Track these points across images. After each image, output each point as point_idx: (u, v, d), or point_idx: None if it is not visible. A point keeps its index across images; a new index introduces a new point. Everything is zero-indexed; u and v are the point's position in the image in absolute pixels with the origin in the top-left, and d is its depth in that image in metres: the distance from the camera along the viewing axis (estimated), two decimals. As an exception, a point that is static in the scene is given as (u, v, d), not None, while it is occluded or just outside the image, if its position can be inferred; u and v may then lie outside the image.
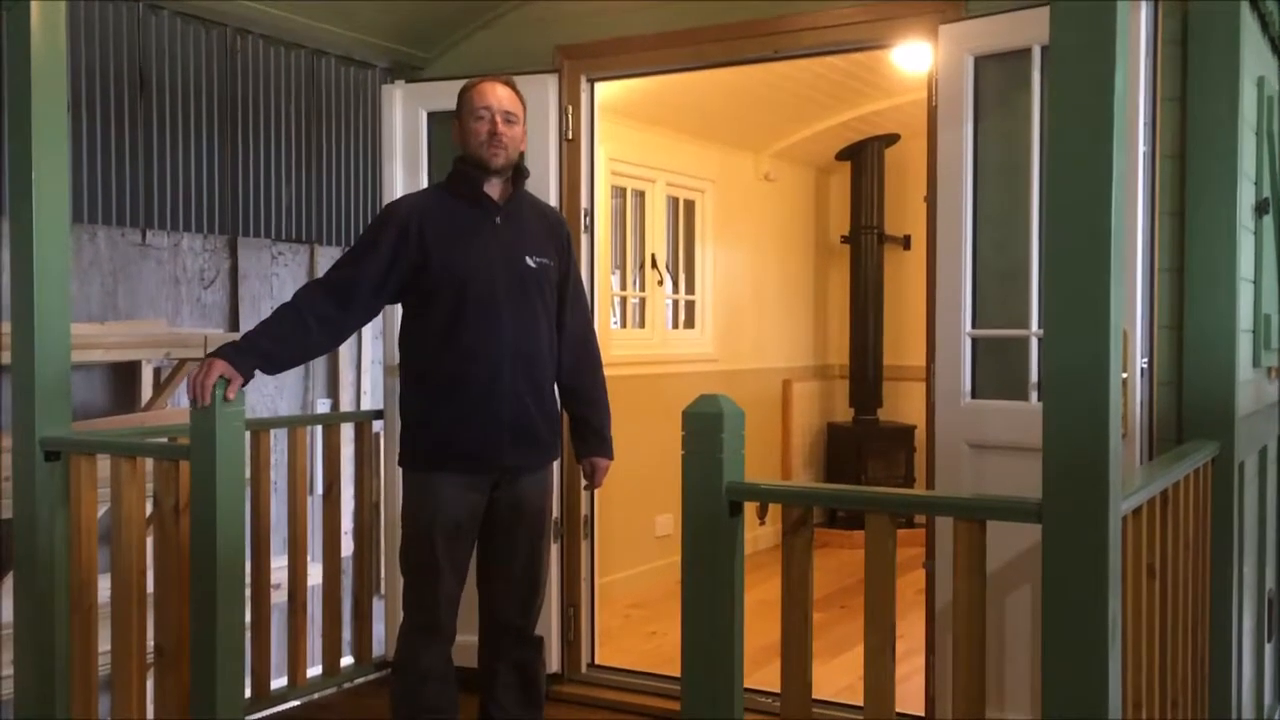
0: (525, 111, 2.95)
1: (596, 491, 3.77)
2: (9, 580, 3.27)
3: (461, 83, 3.83)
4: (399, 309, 3.01)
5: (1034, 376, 3.04)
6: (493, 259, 2.84)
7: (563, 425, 3.07)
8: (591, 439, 3.05)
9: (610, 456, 3.07)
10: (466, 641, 2.99)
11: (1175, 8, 2.97)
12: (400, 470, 2.96)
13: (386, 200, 3.83)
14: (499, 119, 2.83)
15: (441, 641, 2.89)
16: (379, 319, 3.39)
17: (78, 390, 4.28)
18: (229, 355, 2.67)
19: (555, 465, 3.19)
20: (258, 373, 2.73)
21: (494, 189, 2.89)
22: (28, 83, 2.85)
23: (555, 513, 3.55)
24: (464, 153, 2.90)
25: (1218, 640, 2.99)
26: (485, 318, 2.81)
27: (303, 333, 2.77)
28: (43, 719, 2.95)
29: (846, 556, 5.96)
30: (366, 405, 5.52)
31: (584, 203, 3.81)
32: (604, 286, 5.43)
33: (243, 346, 2.72)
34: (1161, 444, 2.95)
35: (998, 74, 3.12)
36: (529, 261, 2.88)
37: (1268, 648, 3.63)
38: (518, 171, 2.92)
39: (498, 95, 2.86)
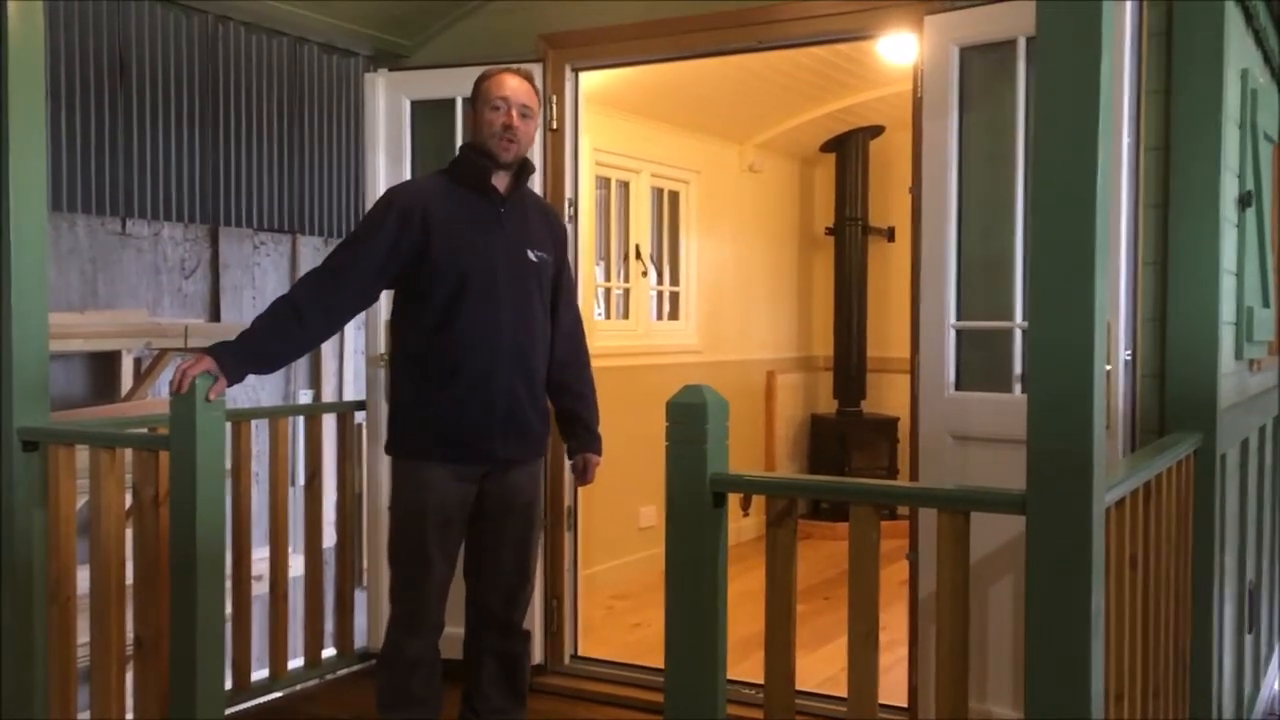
0: (540, 106, 2.95)
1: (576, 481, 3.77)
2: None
3: (446, 72, 3.81)
4: (385, 296, 2.99)
5: (1018, 368, 3.04)
6: (495, 251, 2.83)
7: (551, 419, 3.06)
8: (582, 434, 3.04)
9: (600, 452, 3.07)
10: (452, 633, 2.98)
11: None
12: (386, 460, 2.94)
13: (369, 190, 3.82)
14: (514, 112, 2.83)
15: (430, 632, 2.89)
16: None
17: (57, 380, 4.25)
18: (222, 358, 2.65)
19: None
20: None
21: (500, 181, 2.89)
22: (4, 69, 2.82)
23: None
24: (474, 141, 2.89)
25: (1199, 631, 3.01)
26: (484, 309, 2.80)
27: (299, 328, 2.73)
28: (21, 711, 2.93)
29: (830, 548, 5.97)
30: (349, 395, 5.50)
31: (568, 193, 3.79)
32: (588, 277, 5.40)
33: (237, 350, 2.69)
34: (1144, 436, 2.96)
35: (983, 65, 3.11)
36: (530, 256, 2.89)
37: (1248, 639, 3.65)
38: (523, 165, 2.92)
39: (515, 88, 2.84)
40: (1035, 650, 1.84)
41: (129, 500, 3.00)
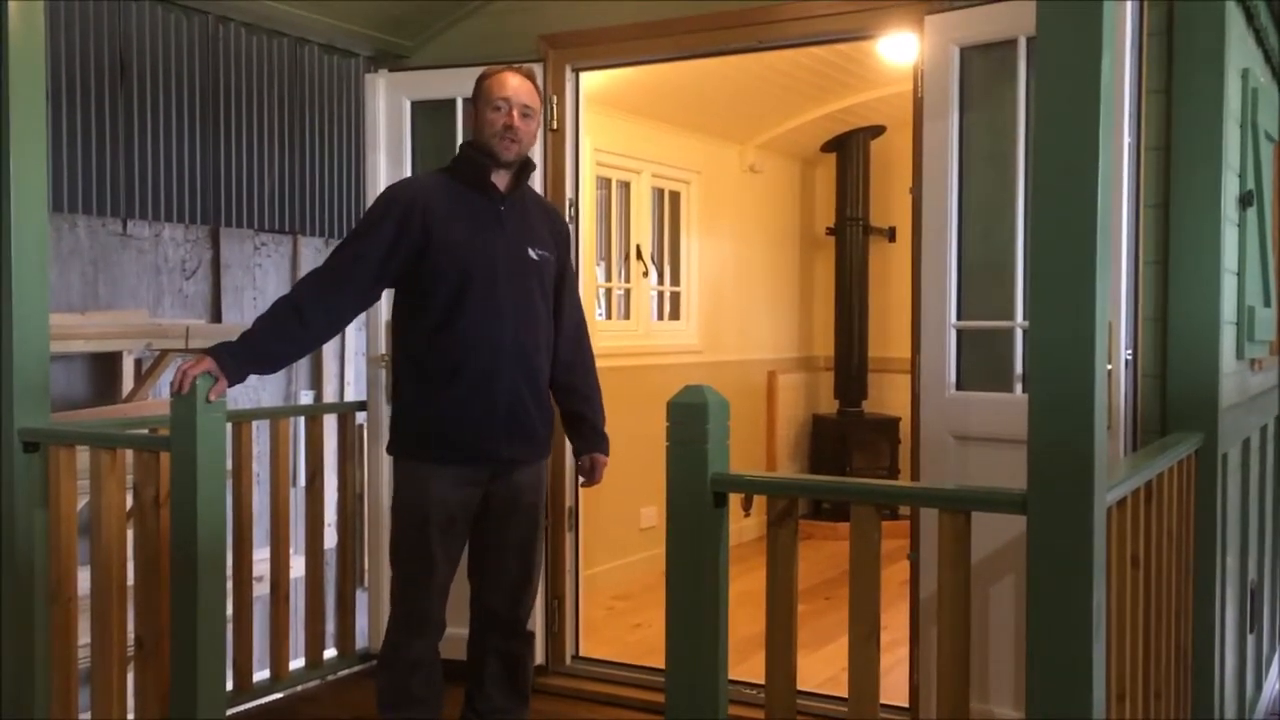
0: (542, 104, 2.95)
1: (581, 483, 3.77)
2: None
3: (446, 73, 3.81)
4: (385, 296, 2.99)
5: (1019, 368, 3.04)
6: (496, 249, 2.82)
7: (554, 419, 3.06)
8: (590, 435, 3.03)
9: (608, 452, 3.05)
10: (455, 633, 2.98)
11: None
12: (388, 461, 2.93)
13: (370, 190, 3.81)
14: (516, 112, 2.81)
15: (432, 633, 2.88)
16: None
17: (58, 381, 4.25)
18: (222, 358, 2.64)
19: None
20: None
21: (500, 179, 2.87)
22: (4, 69, 2.82)
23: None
24: (475, 140, 2.88)
25: (1201, 631, 3.01)
26: (486, 308, 2.78)
27: (301, 327, 2.72)
28: (22, 712, 2.93)
29: (831, 548, 5.97)
30: (350, 396, 5.50)
31: (569, 193, 3.79)
32: (589, 278, 5.40)
33: (238, 350, 2.68)
34: (1145, 435, 2.96)
35: (984, 65, 3.11)
36: (531, 254, 2.87)
37: (1249, 638, 3.65)
38: (524, 164, 2.91)
39: (516, 87, 2.83)
40: (1036, 650, 1.84)
41: (130, 501, 3.00)
